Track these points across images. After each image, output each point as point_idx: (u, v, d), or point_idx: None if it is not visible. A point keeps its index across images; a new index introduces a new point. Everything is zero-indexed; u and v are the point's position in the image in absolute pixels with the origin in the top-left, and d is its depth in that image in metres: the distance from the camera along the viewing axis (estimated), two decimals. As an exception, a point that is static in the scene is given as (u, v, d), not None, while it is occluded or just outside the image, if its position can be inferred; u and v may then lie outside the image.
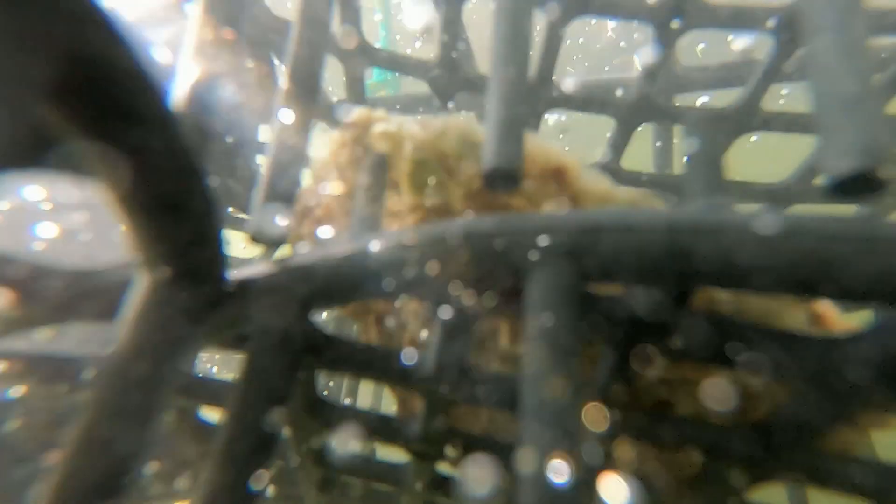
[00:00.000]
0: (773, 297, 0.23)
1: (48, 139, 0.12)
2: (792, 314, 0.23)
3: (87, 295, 0.21)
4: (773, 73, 0.42)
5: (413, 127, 0.27)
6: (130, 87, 0.12)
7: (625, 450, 0.28)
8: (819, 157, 0.14)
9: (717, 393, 0.27)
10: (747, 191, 0.51)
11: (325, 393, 0.62)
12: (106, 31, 0.11)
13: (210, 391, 0.28)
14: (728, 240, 0.15)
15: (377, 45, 0.46)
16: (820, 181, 0.49)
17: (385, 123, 0.27)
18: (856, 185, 0.13)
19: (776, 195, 0.50)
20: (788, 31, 0.38)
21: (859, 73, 0.14)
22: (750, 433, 0.21)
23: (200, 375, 0.28)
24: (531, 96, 0.47)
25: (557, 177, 0.25)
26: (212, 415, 0.30)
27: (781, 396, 0.25)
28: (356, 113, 0.28)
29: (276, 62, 0.45)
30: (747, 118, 0.44)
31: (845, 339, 0.17)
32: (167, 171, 0.15)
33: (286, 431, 0.28)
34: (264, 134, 0.48)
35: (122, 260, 0.21)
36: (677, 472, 0.27)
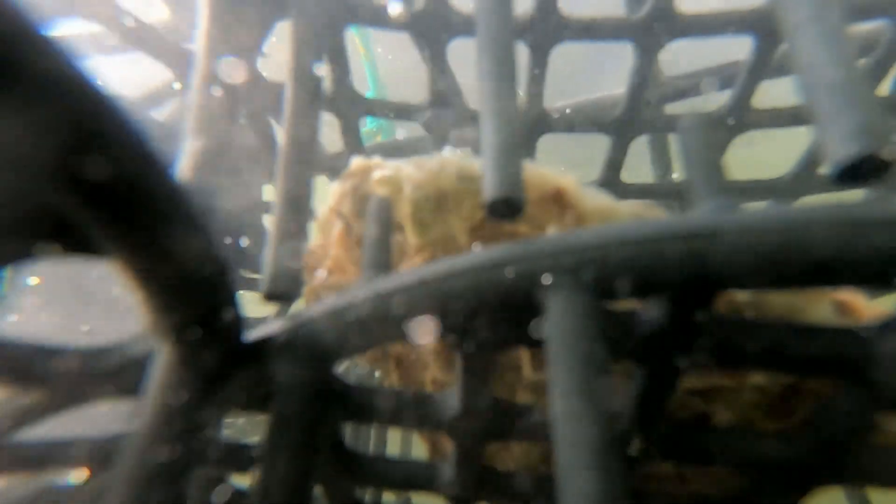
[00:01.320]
0: (796, 292, 0.22)
1: (59, 224, 0.13)
2: (817, 307, 0.22)
3: (105, 373, 0.21)
4: (759, 71, 0.42)
5: (410, 169, 0.27)
6: (138, 163, 0.13)
7: (667, 472, 0.27)
8: (819, 146, 0.14)
9: (754, 398, 0.26)
10: (751, 189, 0.51)
11: (354, 444, 0.61)
12: (110, 112, 0.12)
13: (239, 456, 0.28)
14: (739, 239, 0.15)
15: (367, 94, 0.47)
16: (823, 170, 0.49)
17: (382, 169, 0.28)
18: (861, 170, 0.13)
19: (781, 190, 0.50)
20: (767, 29, 0.39)
21: (844, 59, 0.14)
22: (795, 436, 0.20)
23: (227, 441, 0.28)
24: (523, 124, 0.48)
25: (557, 199, 0.25)
26: (244, 482, 0.30)
27: (821, 394, 0.24)
28: (353, 162, 0.29)
29: (274, 124, 0.46)
30: (739, 117, 0.45)
31: (877, 326, 0.17)
32: (181, 241, 0.15)
33: (317, 489, 0.27)
34: (269, 193, 0.49)
35: (135, 334, 0.21)
36: (723, 489, 0.25)
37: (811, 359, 0.17)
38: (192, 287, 0.17)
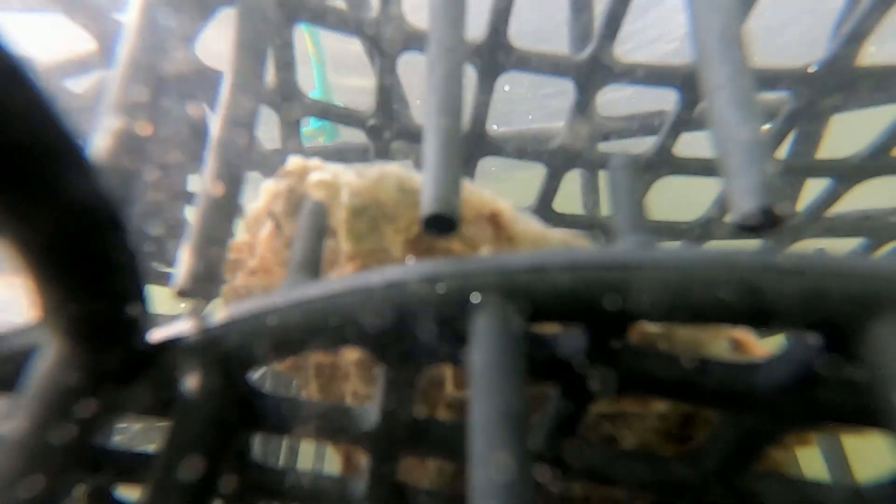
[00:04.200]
0: (699, 328, 0.24)
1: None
2: (716, 343, 0.24)
3: (-20, 366, 0.18)
4: (681, 123, 0.46)
5: (349, 175, 0.27)
6: (42, 132, 0.12)
7: (573, 494, 0.28)
8: (726, 197, 0.15)
9: (657, 424, 0.28)
10: (667, 229, 0.55)
11: (262, 457, 0.58)
12: (11, 67, 0.11)
13: (129, 465, 0.25)
14: (654, 274, 0.16)
15: (313, 95, 0.46)
16: (728, 219, 0.54)
17: (321, 172, 0.27)
18: (759, 222, 0.15)
19: (693, 232, 0.55)
20: (690, 87, 0.43)
21: (753, 122, 0.16)
22: (691, 461, 0.22)
23: (117, 448, 0.25)
24: (465, 144, 0.49)
25: (493, 220, 0.25)
26: (130, 493, 0.27)
27: (714, 422, 0.26)
28: (291, 162, 0.28)
29: (208, 111, 0.44)
30: (662, 163, 0.49)
31: (764, 364, 0.19)
32: (84, 222, 0.14)
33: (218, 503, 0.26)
34: (194, 184, 0.47)
35: (21, 323, 0.19)
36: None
37: (707, 390, 0.19)
38: (94, 274, 0.15)
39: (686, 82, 0.43)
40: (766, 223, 0.15)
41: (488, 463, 0.14)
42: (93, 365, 0.17)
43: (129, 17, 0.28)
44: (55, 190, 0.12)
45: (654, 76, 0.43)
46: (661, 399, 0.20)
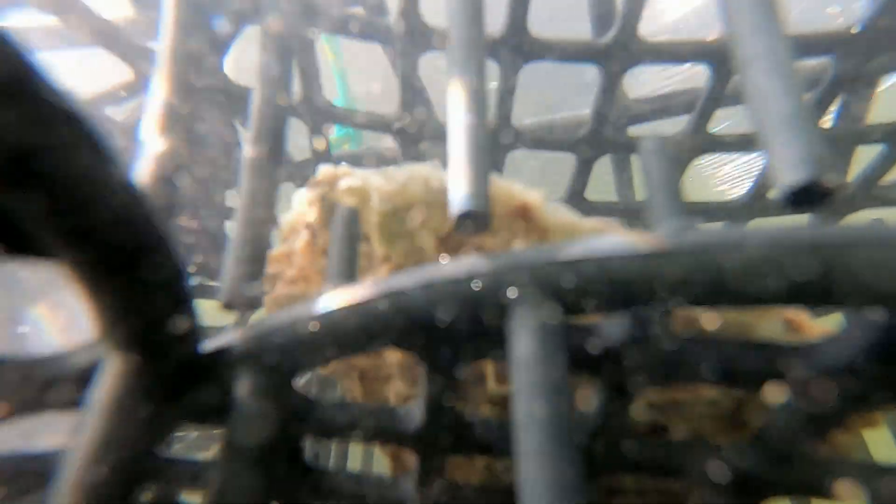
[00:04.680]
0: (748, 310, 0.23)
1: (2, 224, 0.12)
2: (767, 324, 0.23)
3: (48, 384, 0.19)
4: (715, 100, 0.44)
5: (378, 179, 0.27)
6: (90, 159, 0.12)
7: (626, 486, 0.28)
8: (769, 172, 0.15)
9: (709, 410, 0.27)
10: (706, 210, 0.53)
11: (314, 460, 0.59)
12: (61, 107, 0.11)
13: (189, 472, 0.26)
14: (695, 258, 0.16)
15: (336, 102, 0.47)
16: (772, 195, 0.51)
17: (350, 178, 0.27)
18: (806, 196, 0.14)
19: (734, 212, 0.53)
20: (722, 60, 0.41)
21: (792, 92, 0.15)
22: (746, 449, 0.21)
23: (178, 457, 0.27)
24: (492, 139, 0.49)
25: (523, 214, 0.25)
26: (194, 499, 0.28)
27: (770, 408, 0.25)
28: (321, 171, 0.28)
29: (240, 128, 0.45)
30: (697, 142, 0.47)
31: (820, 343, 0.18)
32: (134, 245, 0.14)
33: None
34: (232, 199, 0.48)
35: (83, 342, 0.20)
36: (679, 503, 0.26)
37: (760, 374, 0.18)
38: (146, 293, 0.16)
39: (717, 55, 0.41)
40: (815, 196, 0.14)
41: (535, 458, 0.14)
42: (150, 377, 0.18)
43: (161, 43, 0.29)
44: (109, 218, 0.13)
45: (683, 53, 0.41)
46: (711, 385, 0.19)
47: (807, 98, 0.46)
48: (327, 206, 0.29)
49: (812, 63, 0.46)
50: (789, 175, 0.14)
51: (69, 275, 0.15)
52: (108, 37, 0.40)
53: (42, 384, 0.19)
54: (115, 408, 0.18)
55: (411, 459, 0.25)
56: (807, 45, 0.40)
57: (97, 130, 0.12)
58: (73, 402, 0.20)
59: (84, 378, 0.20)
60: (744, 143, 0.47)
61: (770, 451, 0.20)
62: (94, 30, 0.39)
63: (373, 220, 0.27)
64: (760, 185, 0.50)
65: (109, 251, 0.14)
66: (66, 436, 0.22)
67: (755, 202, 0.51)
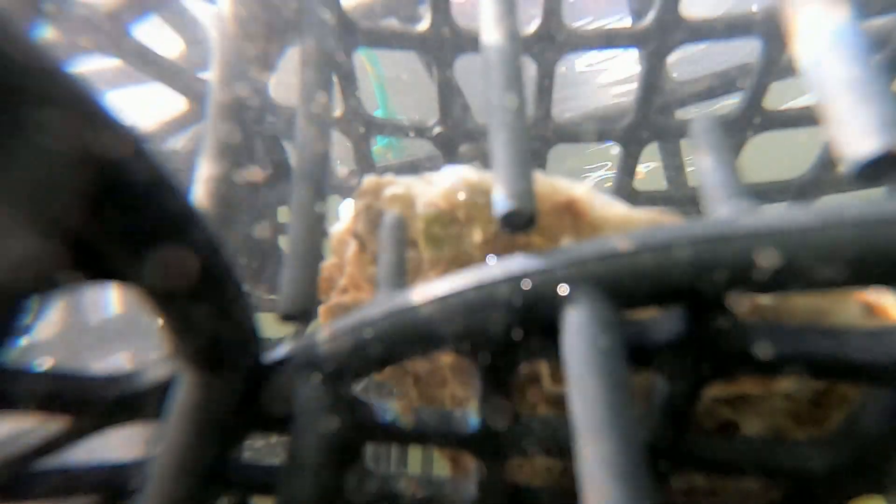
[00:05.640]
0: (820, 294, 0.22)
1: (83, 252, 0.13)
2: (844, 309, 0.22)
3: (128, 399, 0.21)
4: (768, 73, 0.42)
5: (421, 185, 0.27)
6: (158, 191, 0.13)
7: (699, 486, 0.26)
8: (834, 145, 0.14)
9: (785, 405, 0.25)
10: (768, 190, 0.50)
11: (374, 464, 0.60)
12: (130, 142, 0.12)
13: (260, 478, 0.28)
14: (759, 242, 0.15)
15: (377, 113, 0.48)
16: (841, 169, 0.48)
17: (394, 187, 0.28)
18: (880, 167, 0.13)
19: (798, 190, 0.49)
20: (773, 31, 0.39)
21: (856, 55, 0.14)
22: (828, 445, 0.19)
23: (249, 464, 0.28)
24: (532, 136, 0.48)
25: (570, 209, 0.24)
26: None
27: (853, 400, 0.23)
28: (365, 181, 0.29)
29: (287, 147, 0.47)
30: (752, 119, 0.44)
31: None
32: (200, 266, 0.15)
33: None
34: (284, 215, 0.50)
35: (157, 358, 0.21)
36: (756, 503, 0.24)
37: (839, 363, 0.17)
38: (212, 311, 0.17)
39: (767, 27, 0.39)
40: (890, 167, 0.13)
41: (596, 459, 0.14)
42: (220, 388, 0.19)
43: (212, 73, 0.31)
44: (182, 248, 0.14)
45: (730, 28, 0.39)
46: (784, 377, 0.18)
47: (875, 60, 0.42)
48: (373, 216, 0.29)
49: (880, 21, 0.42)
50: (859, 145, 0.13)
51: (142, 297, 0.16)
52: (163, 71, 0.43)
53: (118, 399, 0.21)
54: (190, 419, 0.19)
55: (470, 461, 0.25)
56: (873, 3, 0.37)
57: (163, 161, 0.13)
58: (152, 416, 0.21)
59: (160, 393, 0.21)
60: (805, 118, 0.44)
61: (854, 448, 0.19)
62: (151, 66, 0.42)
63: (418, 225, 0.27)
64: (825, 160, 0.47)
65: (179, 272, 0.15)
66: (145, 447, 0.23)
67: (822, 178, 0.48)
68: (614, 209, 0.25)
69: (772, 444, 0.21)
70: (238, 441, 0.24)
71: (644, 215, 0.24)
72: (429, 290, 0.19)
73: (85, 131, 0.11)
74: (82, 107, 0.11)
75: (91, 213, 0.12)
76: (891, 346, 0.16)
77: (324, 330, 0.21)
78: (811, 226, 0.14)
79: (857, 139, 0.13)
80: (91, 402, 0.20)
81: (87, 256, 0.13)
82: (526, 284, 0.17)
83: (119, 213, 0.12)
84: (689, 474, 0.21)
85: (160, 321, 0.17)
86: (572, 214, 0.24)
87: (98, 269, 0.14)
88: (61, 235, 0.12)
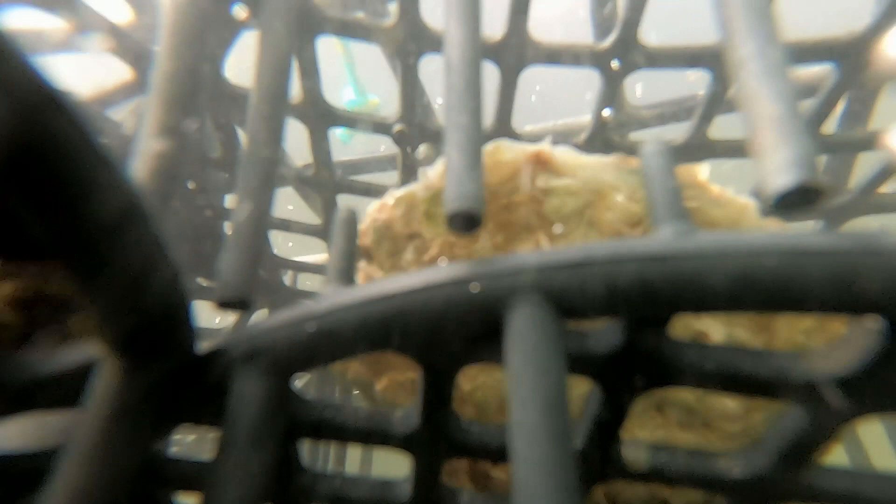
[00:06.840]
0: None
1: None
2: (746, 219, 0.26)
3: (43, 383, 0.19)
4: (714, 105, 0.44)
5: (418, 183, 0.30)
6: (86, 160, 0.12)
7: (625, 490, 0.27)
8: (758, 176, 0.14)
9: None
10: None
11: (311, 463, 0.59)
12: (58, 107, 0.11)
13: (185, 473, 0.26)
14: (694, 264, 0.16)
15: (346, 105, 0.47)
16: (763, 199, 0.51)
17: (393, 195, 0.30)
18: (798, 199, 0.14)
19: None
20: (721, 65, 0.41)
21: (784, 96, 0.15)
22: (748, 455, 0.21)
23: (174, 458, 0.26)
24: (489, 141, 0.49)
25: (538, 158, 0.28)
26: (188, 501, 0.28)
27: (772, 413, 0.25)
28: (370, 208, 0.31)
29: (238, 130, 0.45)
30: (697, 147, 0.47)
31: (826, 350, 0.18)
32: (130, 244, 0.14)
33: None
34: (230, 201, 0.48)
35: (77, 341, 0.20)
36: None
37: (759, 381, 0.18)
38: (142, 293, 0.16)
39: (716, 61, 0.41)
40: (806, 200, 0.14)
41: (530, 461, 0.14)
42: (146, 377, 0.18)
43: (161, 45, 0.29)
44: (105, 216, 0.13)
45: (683, 58, 0.41)
46: (710, 389, 0.19)
47: (806, 104, 0.46)
48: (380, 230, 0.31)
49: (813, 70, 0.46)
50: (778, 178, 0.14)
51: (64, 273, 0.14)
52: (112, 38, 0.40)
53: (34, 383, 0.19)
54: (108, 408, 0.18)
55: (496, 480, 0.26)
56: (808, 51, 0.41)
57: (95, 130, 0.12)
58: (68, 402, 0.20)
59: (79, 378, 0.19)
60: (743, 150, 0.47)
61: (770, 458, 0.20)
62: (94, 29, 0.39)
63: (420, 209, 0.29)
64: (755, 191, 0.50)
65: (103, 249, 0.14)
66: (61, 435, 0.21)
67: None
68: (573, 155, 0.28)
69: (696, 452, 0.22)
70: (164, 434, 0.23)
71: (599, 160, 0.27)
72: (376, 288, 0.19)
73: (8, 91, 0.10)
74: (8, 66, 0.10)
75: (9, 182, 0.11)
76: (805, 368, 0.17)
77: (264, 321, 0.21)
78: (740, 252, 0.15)
79: (776, 171, 0.14)
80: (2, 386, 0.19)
81: (3, 229, 0.12)
82: (474, 288, 0.17)
83: (41, 182, 0.11)
84: (619, 481, 0.22)
85: (85, 303, 0.16)
86: (541, 163, 0.28)
87: (15, 243, 0.13)
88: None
